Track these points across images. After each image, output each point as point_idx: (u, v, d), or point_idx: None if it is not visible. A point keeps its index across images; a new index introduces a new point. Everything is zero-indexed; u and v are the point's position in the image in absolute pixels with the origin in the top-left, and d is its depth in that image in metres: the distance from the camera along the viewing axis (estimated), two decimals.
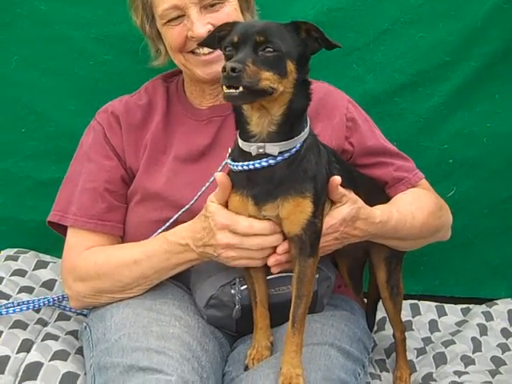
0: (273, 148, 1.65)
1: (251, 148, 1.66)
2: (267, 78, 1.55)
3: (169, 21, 2.02)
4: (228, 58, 1.61)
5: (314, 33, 1.63)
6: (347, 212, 1.81)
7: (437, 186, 2.24)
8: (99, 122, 2.16)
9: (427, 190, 2.18)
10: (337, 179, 1.76)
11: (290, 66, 1.60)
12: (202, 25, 1.98)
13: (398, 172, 2.13)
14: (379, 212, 1.92)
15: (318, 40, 1.64)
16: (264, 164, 1.66)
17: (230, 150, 1.78)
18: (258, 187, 1.68)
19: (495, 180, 2.63)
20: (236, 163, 1.70)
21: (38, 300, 2.15)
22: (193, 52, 2.04)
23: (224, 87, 1.54)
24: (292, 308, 1.72)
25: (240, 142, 1.70)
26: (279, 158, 1.66)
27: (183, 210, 1.94)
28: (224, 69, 1.51)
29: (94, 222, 2.05)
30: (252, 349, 1.86)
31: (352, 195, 1.84)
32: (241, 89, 1.51)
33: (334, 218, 1.80)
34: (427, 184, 2.20)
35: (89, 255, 2.02)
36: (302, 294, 1.71)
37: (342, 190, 1.79)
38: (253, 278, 1.85)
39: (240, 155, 1.70)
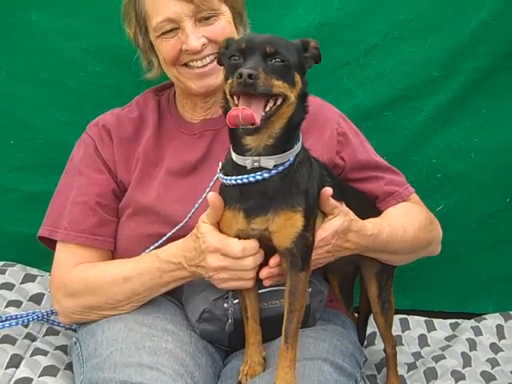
0: (268, 161, 1.61)
1: (246, 162, 1.62)
2: (279, 86, 1.53)
3: (163, 33, 1.97)
4: (233, 66, 1.55)
5: (317, 50, 1.65)
6: (339, 224, 1.78)
7: (426, 201, 2.22)
8: (90, 136, 2.10)
9: (418, 204, 2.15)
10: (328, 190, 1.73)
11: (297, 78, 1.58)
12: (196, 38, 1.95)
13: (388, 186, 2.10)
14: (371, 225, 1.89)
15: (316, 57, 1.66)
16: (258, 178, 1.62)
17: (220, 165, 1.73)
18: (250, 201, 1.64)
19: (483, 195, 2.61)
20: (229, 177, 1.66)
21: (27, 315, 2.09)
22: (186, 65, 2.00)
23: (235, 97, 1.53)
24: (284, 323, 1.67)
25: (234, 155, 1.66)
26: (273, 172, 1.62)
27: (177, 227, 1.88)
28: (240, 75, 1.46)
29: (84, 236, 1.99)
30: (245, 365, 1.81)
31: (344, 207, 1.81)
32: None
33: (326, 230, 1.77)
34: (417, 198, 2.17)
35: (79, 271, 1.95)
36: (295, 309, 1.66)
37: (333, 201, 1.76)
38: (244, 293, 1.81)
39: (233, 169, 1.66)
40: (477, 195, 2.60)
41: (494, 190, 2.60)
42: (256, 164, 1.62)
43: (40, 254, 2.19)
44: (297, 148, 1.66)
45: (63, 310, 1.97)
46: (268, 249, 1.69)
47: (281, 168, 1.62)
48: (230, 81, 1.55)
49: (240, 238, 1.68)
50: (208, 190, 1.78)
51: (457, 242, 2.59)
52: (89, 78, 2.46)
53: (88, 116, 2.24)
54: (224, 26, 1.99)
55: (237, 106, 1.52)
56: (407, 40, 2.48)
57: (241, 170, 1.64)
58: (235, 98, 1.54)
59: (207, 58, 1.98)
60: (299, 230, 1.63)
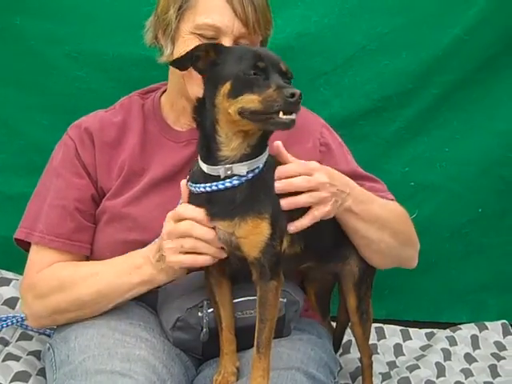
0: (241, 168, 1.51)
1: (220, 171, 1.52)
2: None
3: (199, 35, 1.79)
4: (251, 81, 1.45)
5: None
6: (314, 162, 1.67)
7: None
8: (71, 137, 1.94)
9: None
10: (275, 143, 1.63)
11: None
12: None
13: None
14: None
15: None
16: (228, 185, 1.51)
17: (189, 174, 1.62)
18: (216, 207, 1.54)
19: (455, 204, 2.53)
20: (198, 185, 1.55)
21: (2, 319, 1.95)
22: None
23: (281, 114, 1.41)
24: (256, 333, 1.56)
25: (205, 166, 1.54)
26: (243, 179, 1.52)
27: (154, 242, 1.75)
28: (292, 95, 1.40)
29: (61, 241, 1.84)
30: (218, 374, 1.69)
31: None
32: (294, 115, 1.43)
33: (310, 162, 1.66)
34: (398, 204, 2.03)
35: (50, 270, 1.81)
36: (266, 319, 1.55)
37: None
38: (218, 302, 1.69)
39: (201, 177, 1.56)
40: (449, 204, 2.53)
41: (465, 199, 2.53)
42: (229, 172, 1.51)
43: (15, 258, 2.06)
44: (265, 154, 1.57)
45: (32, 313, 1.83)
46: (238, 260, 1.59)
47: (251, 175, 1.52)
48: (250, 97, 1.44)
49: None
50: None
51: (430, 251, 2.45)
52: (71, 82, 2.35)
53: (70, 119, 2.09)
54: None
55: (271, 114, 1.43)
56: (383, 52, 2.41)
57: (210, 178, 1.53)
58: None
59: None
60: (266, 238, 1.52)
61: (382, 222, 1.85)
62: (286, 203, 1.59)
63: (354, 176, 1.92)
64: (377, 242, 1.86)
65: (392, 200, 2.00)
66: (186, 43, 1.80)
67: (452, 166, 2.51)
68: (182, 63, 1.59)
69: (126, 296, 1.77)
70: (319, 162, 1.87)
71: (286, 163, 1.64)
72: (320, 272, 1.81)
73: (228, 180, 1.51)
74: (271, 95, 1.41)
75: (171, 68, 1.91)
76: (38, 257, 1.86)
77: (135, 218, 1.84)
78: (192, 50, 1.54)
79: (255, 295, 1.60)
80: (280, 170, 1.61)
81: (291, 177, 1.61)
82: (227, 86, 1.47)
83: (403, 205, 2.27)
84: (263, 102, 1.42)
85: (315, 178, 1.63)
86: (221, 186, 1.52)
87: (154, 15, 1.93)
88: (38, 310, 1.81)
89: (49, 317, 1.80)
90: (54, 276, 1.80)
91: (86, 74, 2.35)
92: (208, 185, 1.53)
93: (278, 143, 1.64)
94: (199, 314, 1.71)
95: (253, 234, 1.52)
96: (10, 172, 2.41)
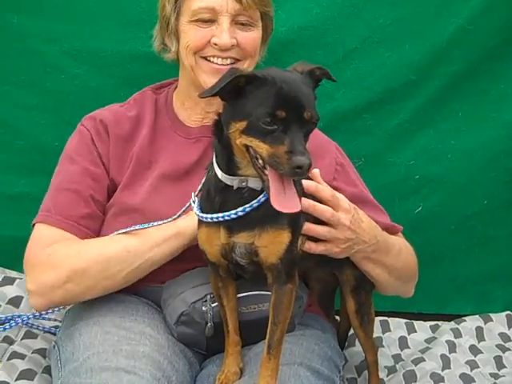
0: (256, 182, 1.53)
1: (234, 182, 1.55)
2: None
3: (197, 20, 1.90)
4: (266, 131, 1.41)
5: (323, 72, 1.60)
6: (348, 202, 1.75)
7: (404, 202, 2.20)
8: (86, 128, 2.01)
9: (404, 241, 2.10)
10: (315, 171, 1.71)
11: None
12: (229, 36, 1.89)
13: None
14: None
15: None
16: (240, 214, 1.54)
17: (195, 199, 1.67)
18: (234, 221, 1.56)
19: (460, 197, 2.57)
20: (209, 215, 1.58)
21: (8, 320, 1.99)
22: (206, 58, 1.93)
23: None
24: (268, 334, 1.61)
25: (220, 173, 1.57)
26: (262, 199, 1.53)
27: (167, 220, 1.81)
28: (299, 167, 1.36)
29: (70, 223, 1.87)
30: (221, 373, 1.75)
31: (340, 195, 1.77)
32: None
33: (341, 199, 1.74)
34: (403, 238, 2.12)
35: (63, 242, 1.83)
36: (278, 321, 1.60)
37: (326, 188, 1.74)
38: (225, 306, 1.74)
39: (216, 188, 1.59)
40: (454, 197, 2.56)
41: (471, 191, 2.57)
42: (243, 184, 1.55)
43: (19, 257, 2.12)
44: None
45: (40, 288, 1.81)
46: (253, 265, 1.62)
47: (263, 199, 1.54)
48: (261, 144, 1.42)
49: (224, 254, 1.62)
50: (196, 192, 1.70)
51: (435, 243, 2.55)
52: (70, 80, 2.39)
53: (69, 118, 2.18)
54: (255, 38, 1.96)
55: (261, 169, 1.45)
56: (385, 44, 2.44)
57: (224, 189, 1.57)
58: (260, 161, 1.45)
59: (229, 60, 1.93)
60: (286, 246, 1.56)
61: (392, 269, 1.95)
62: (306, 204, 1.65)
63: (361, 200, 1.99)
64: (381, 281, 1.98)
65: (397, 233, 2.06)
66: (186, 34, 1.91)
67: (457, 159, 2.54)
68: (219, 93, 1.49)
69: (155, 251, 1.80)
70: (334, 178, 1.99)
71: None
72: (321, 272, 1.86)
73: (247, 205, 1.53)
74: (280, 156, 1.39)
75: (181, 62, 2.00)
76: (45, 233, 1.87)
77: (144, 213, 1.89)
78: (226, 76, 1.47)
79: (258, 290, 1.66)
80: (310, 185, 1.68)
81: (319, 197, 1.70)
82: (242, 124, 1.45)
83: (407, 199, 2.35)
84: (271, 157, 1.40)
85: (338, 216, 1.72)
86: (233, 216, 1.54)
87: (158, 22, 2.03)
88: (50, 281, 1.80)
89: (62, 286, 1.79)
90: (70, 244, 1.83)
91: (85, 72, 2.39)
92: (220, 215, 1.56)
93: (316, 171, 1.71)
94: (203, 308, 1.77)
95: (273, 244, 1.56)
96: (10, 172, 2.45)
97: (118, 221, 1.92)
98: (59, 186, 1.93)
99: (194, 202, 1.68)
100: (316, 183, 1.71)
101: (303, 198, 1.61)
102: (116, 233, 1.84)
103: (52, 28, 2.36)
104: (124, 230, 1.83)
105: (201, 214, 1.61)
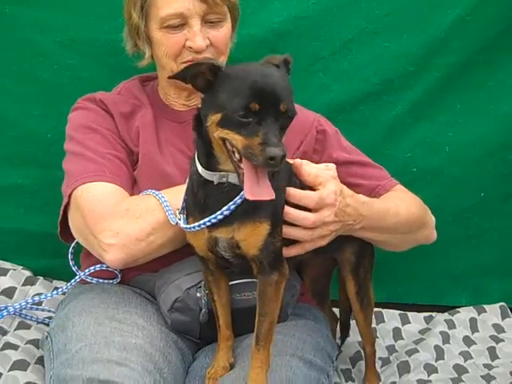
0: (236, 177, 1.55)
1: (214, 177, 1.59)
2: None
3: (167, 27, 1.95)
4: (241, 123, 1.44)
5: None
6: (334, 185, 1.76)
7: None
8: (87, 106, 2.07)
9: (404, 191, 2.14)
10: (297, 161, 1.72)
11: None
12: (202, 38, 1.94)
13: (370, 181, 2.08)
14: (361, 195, 1.89)
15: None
16: (226, 213, 1.58)
17: (180, 216, 1.71)
18: (214, 211, 1.60)
19: (458, 189, 2.60)
20: (197, 224, 1.63)
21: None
22: (186, 62, 1.95)
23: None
24: (256, 325, 1.65)
25: (200, 169, 1.61)
26: (238, 201, 1.57)
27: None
28: (272, 158, 1.39)
29: (124, 181, 1.93)
30: (211, 368, 1.79)
31: (326, 174, 1.78)
32: None
33: (327, 189, 1.73)
34: (403, 187, 2.15)
35: (138, 196, 1.89)
36: (265, 312, 1.64)
37: (312, 170, 1.75)
38: (216, 301, 1.78)
39: (198, 184, 1.63)
40: (451, 189, 2.60)
41: (468, 184, 2.60)
42: (224, 179, 1.59)
43: (12, 248, 2.16)
44: None
45: (123, 240, 1.81)
46: (238, 256, 1.66)
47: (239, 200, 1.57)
48: (235, 136, 1.46)
49: (210, 248, 1.66)
50: (179, 210, 1.74)
51: None
52: (63, 70, 2.42)
53: (62, 108, 2.19)
54: (226, 34, 2.00)
55: (237, 163, 1.49)
56: (383, 35, 2.46)
57: (205, 184, 1.61)
58: (236, 155, 1.48)
59: None
60: (264, 237, 1.60)
61: (395, 228, 1.99)
62: (293, 192, 1.69)
63: (350, 163, 2.03)
64: (390, 241, 2.02)
65: (395, 185, 2.11)
66: (161, 41, 1.97)
67: (455, 151, 2.57)
68: (178, 77, 1.59)
69: None
70: (314, 149, 2.01)
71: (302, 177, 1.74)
72: (321, 258, 1.88)
73: (231, 203, 1.57)
74: (254, 148, 1.42)
75: (159, 64, 2.06)
76: (109, 190, 1.89)
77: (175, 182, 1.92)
78: (188, 67, 1.56)
79: (252, 278, 1.70)
80: (294, 194, 1.69)
81: (303, 204, 1.71)
82: (218, 117, 1.49)
83: None
84: (245, 148, 1.44)
85: (322, 219, 1.73)
86: (219, 216, 1.58)
87: (126, 26, 2.08)
88: (134, 233, 1.81)
89: (146, 238, 1.82)
90: (143, 198, 1.87)
91: (78, 62, 2.42)
92: (202, 222, 1.61)
93: (299, 161, 1.74)
94: (197, 294, 1.81)
95: (251, 236, 1.60)
96: (3, 163, 2.47)
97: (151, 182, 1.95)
98: (96, 152, 1.95)
99: (179, 220, 1.71)
100: (300, 191, 1.72)
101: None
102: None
103: (45, 18, 2.38)
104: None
105: (187, 226, 1.66)
